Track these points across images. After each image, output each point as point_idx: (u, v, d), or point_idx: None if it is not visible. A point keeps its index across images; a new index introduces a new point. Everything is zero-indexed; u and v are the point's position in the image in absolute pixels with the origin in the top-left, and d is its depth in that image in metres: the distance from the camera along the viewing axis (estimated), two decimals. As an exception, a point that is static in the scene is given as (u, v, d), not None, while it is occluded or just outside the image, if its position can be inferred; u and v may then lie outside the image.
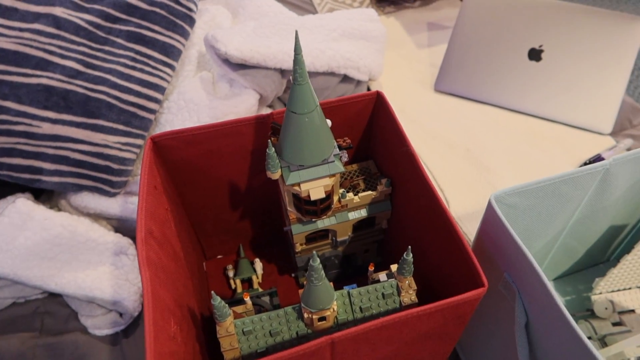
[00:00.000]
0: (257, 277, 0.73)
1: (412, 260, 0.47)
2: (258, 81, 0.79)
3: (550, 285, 0.40)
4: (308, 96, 0.49)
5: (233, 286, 0.72)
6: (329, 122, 0.54)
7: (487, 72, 1.00)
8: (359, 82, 0.98)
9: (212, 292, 0.45)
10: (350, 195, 0.60)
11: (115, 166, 0.73)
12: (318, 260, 0.42)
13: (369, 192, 0.61)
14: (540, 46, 0.97)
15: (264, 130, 0.59)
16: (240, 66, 0.80)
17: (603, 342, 0.59)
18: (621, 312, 0.62)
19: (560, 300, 0.39)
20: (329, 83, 0.91)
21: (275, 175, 0.53)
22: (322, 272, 0.43)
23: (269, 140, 0.51)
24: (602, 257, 0.70)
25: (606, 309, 0.62)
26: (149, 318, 0.41)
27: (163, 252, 0.51)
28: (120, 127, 0.73)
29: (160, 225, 0.52)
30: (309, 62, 0.83)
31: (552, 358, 0.43)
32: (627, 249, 0.60)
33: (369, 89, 1.05)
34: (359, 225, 0.65)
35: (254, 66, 0.79)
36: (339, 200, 0.60)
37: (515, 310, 0.45)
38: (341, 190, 0.60)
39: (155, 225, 0.51)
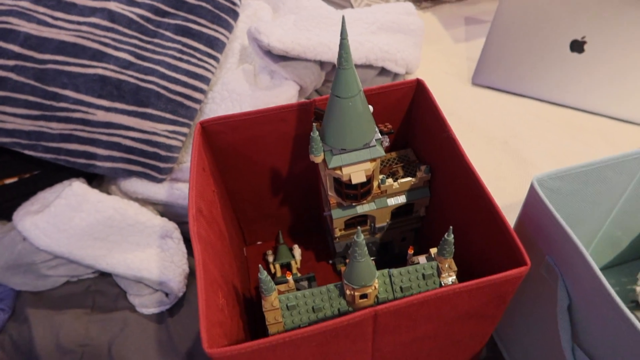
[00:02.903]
0: (296, 263, 0.75)
1: (453, 240, 0.47)
2: (298, 72, 0.81)
3: (596, 267, 0.40)
4: (352, 81, 0.50)
5: (273, 271, 0.75)
6: (370, 107, 0.56)
7: (527, 65, 0.99)
8: (396, 75, 0.98)
9: (260, 265, 0.47)
10: (389, 181, 0.61)
11: (162, 153, 0.76)
12: (362, 235, 0.43)
13: (409, 179, 0.62)
14: (583, 37, 0.95)
15: (306, 117, 0.61)
16: (281, 58, 0.82)
17: (648, 334, 0.58)
18: (667, 304, 0.61)
19: (606, 282, 0.39)
20: (367, 75, 0.92)
21: (319, 158, 0.55)
22: (365, 248, 0.44)
23: (314, 124, 0.53)
24: (648, 250, 0.69)
25: (651, 300, 0.61)
26: (202, 287, 0.43)
27: (211, 230, 0.53)
28: (168, 115, 0.77)
29: (208, 205, 0.55)
30: (348, 54, 0.85)
31: (597, 341, 0.43)
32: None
33: (405, 83, 1.06)
34: (397, 212, 0.66)
35: (294, 58, 0.81)
36: (379, 186, 0.61)
37: (557, 293, 0.45)
38: (381, 176, 0.61)
39: (204, 205, 0.53)
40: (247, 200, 0.69)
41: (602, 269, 0.69)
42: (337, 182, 0.58)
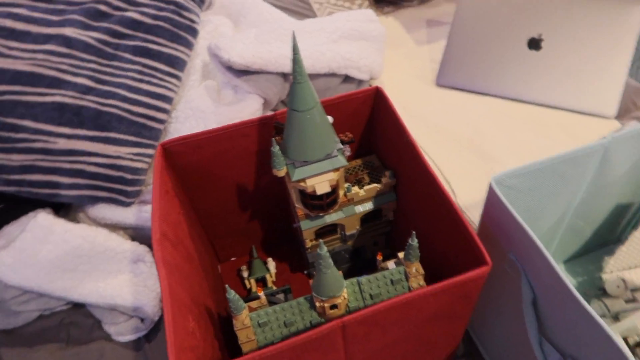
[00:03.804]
0: (271, 276, 0.75)
1: (417, 245, 0.48)
2: (261, 85, 0.81)
3: (553, 261, 0.41)
4: (307, 94, 0.51)
5: (248, 286, 0.74)
6: (330, 118, 0.56)
7: (487, 64, 1.01)
8: (360, 82, 0.99)
9: (226, 285, 0.46)
10: (355, 188, 0.62)
11: (128, 176, 0.75)
12: (325, 248, 0.43)
13: (374, 185, 0.62)
14: (540, 35, 0.98)
15: (268, 131, 0.61)
16: (244, 72, 0.82)
17: (616, 319, 0.59)
18: (634, 290, 0.62)
19: (563, 275, 0.40)
20: (331, 84, 0.93)
21: (281, 172, 0.55)
22: (330, 260, 0.44)
23: (273, 139, 0.53)
24: (611, 237, 0.70)
25: (618, 287, 0.63)
26: (169, 314, 0.43)
27: (177, 253, 0.53)
28: (132, 138, 0.76)
29: (173, 228, 0.54)
30: (309, 65, 0.85)
31: (561, 333, 0.44)
32: (635, 227, 0.61)
33: (371, 88, 1.07)
34: (366, 218, 0.66)
35: (256, 71, 0.81)
36: (345, 195, 0.62)
37: (521, 289, 0.46)
38: (346, 185, 0.61)
39: (169, 228, 0.53)
40: (216, 218, 0.69)
41: (569, 260, 0.71)
42: (303, 193, 0.58)
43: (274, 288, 0.73)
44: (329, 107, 0.61)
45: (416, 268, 0.50)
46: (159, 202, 0.52)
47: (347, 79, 0.96)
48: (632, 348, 0.57)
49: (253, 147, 0.62)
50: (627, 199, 0.62)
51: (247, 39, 0.83)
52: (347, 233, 0.66)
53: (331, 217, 0.63)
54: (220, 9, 1.00)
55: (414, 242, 0.48)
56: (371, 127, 0.67)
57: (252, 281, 0.74)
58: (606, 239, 0.70)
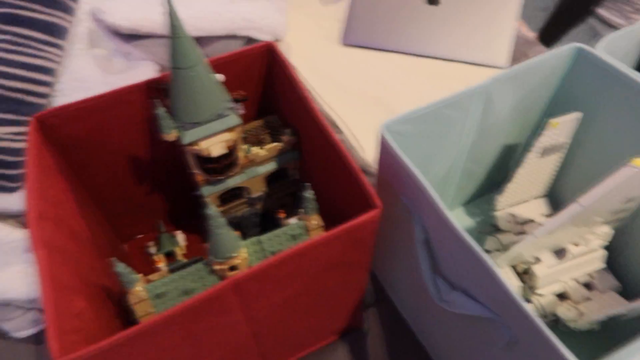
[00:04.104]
0: (181, 249, 0.72)
1: (312, 197, 0.48)
2: (155, 51, 0.76)
3: (439, 201, 0.43)
4: (188, 49, 0.48)
5: (157, 262, 0.71)
6: (220, 76, 0.54)
7: (390, 21, 1.02)
8: (265, 44, 0.96)
9: (113, 259, 0.43)
10: (256, 149, 0.60)
11: (9, 158, 0.68)
12: (214, 208, 0.41)
13: (275, 144, 0.61)
14: (436, -11, 1.00)
15: (157, 96, 0.57)
16: (134, 37, 0.76)
17: (509, 251, 0.64)
18: (523, 223, 0.67)
19: (448, 213, 0.42)
20: (231, 47, 0.89)
21: (170, 136, 0.52)
22: (221, 219, 0.43)
23: (156, 101, 0.50)
24: (502, 177, 0.75)
25: (508, 222, 0.67)
26: (48, 298, 0.40)
27: (61, 233, 0.49)
28: (9, 116, 0.68)
29: (54, 207, 0.50)
30: (205, 26, 0.81)
31: (451, 268, 0.46)
32: (519, 165, 0.64)
33: (277, 51, 1.04)
34: (272, 179, 0.65)
35: (148, 35, 0.76)
36: (246, 156, 0.60)
37: (414, 230, 0.48)
38: (246, 146, 0.60)
39: (49, 207, 0.48)
40: (110, 194, 0.64)
41: (469, 202, 0.75)
42: (199, 158, 0.56)
43: (185, 260, 0.71)
44: (219, 65, 0.58)
45: (316, 221, 0.50)
46: (34, 180, 0.47)
47: (249, 41, 0.92)
48: (521, 275, 0.62)
49: (141, 115, 0.58)
50: (514, 140, 0.66)
51: (134, 0, 0.76)
52: (253, 196, 0.65)
53: (234, 180, 0.61)
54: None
55: (307, 194, 0.47)
56: (270, 86, 0.65)
57: (161, 256, 0.71)
58: (499, 180, 0.74)
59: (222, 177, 0.59)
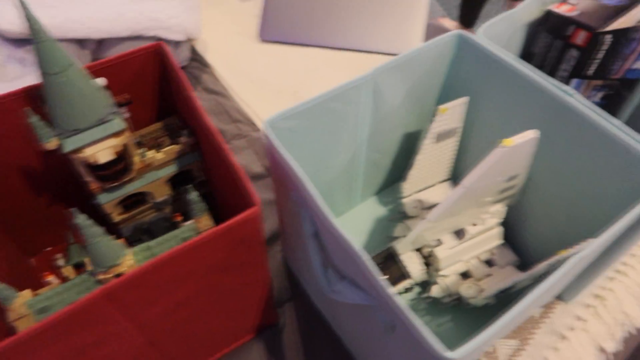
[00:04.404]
0: (91, 259, 0.70)
1: (197, 198, 0.47)
2: (48, 56, 0.73)
3: (313, 191, 0.43)
4: (55, 53, 0.46)
5: (65, 275, 0.69)
6: (101, 80, 0.52)
7: (304, 15, 1.02)
8: (177, 43, 0.95)
9: (-19, 277, 0.42)
10: (151, 152, 0.59)
11: None
12: (82, 217, 0.40)
13: (172, 147, 0.60)
14: (349, -18, 1.01)
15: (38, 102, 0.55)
16: (26, 42, 0.73)
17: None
18: (429, 208, 0.69)
19: (323, 204, 0.43)
20: (141, 48, 0.87)
21: (50, 144, 0.50)
22: (94, 227, 0.42)
23: (28, 109, 0.48)
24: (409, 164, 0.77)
25: (415, 207, 0.69)
26: None
27: None
28: None
29: None
30: (106, 28, 0.78)
31: (338, 259, 0.47)
32: (417, 152, 0.66)
33: (194, 50, 1.02)
34: (178, 182, 0.64)
35: (38, 40, 0.72)
36: (142, 161, 0.58)
37: (303, 224, 0.48)
38: (141, 150, 0.58)
39: None
40: (7, 207, 0.62)
41: (380, 191, 0.76)
42: (88, 165, 0.54)
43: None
44: (105, 68, 0.57)
45: (206, 222, 0.50)
46: None
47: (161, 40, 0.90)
48: (427, 257, 0.64)
49: (24, 124, 0.55)
50: (413, 127, 0.68)
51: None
52: (158, 200, 0.64)
53: (133, 186, 0.60)
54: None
55: (191, 196, 0.47)
56: (166, 87, 0.64)
57: (70, 269, 0.68)
58: (405, 167, 0.76)
59: (117, 184, 0.57)
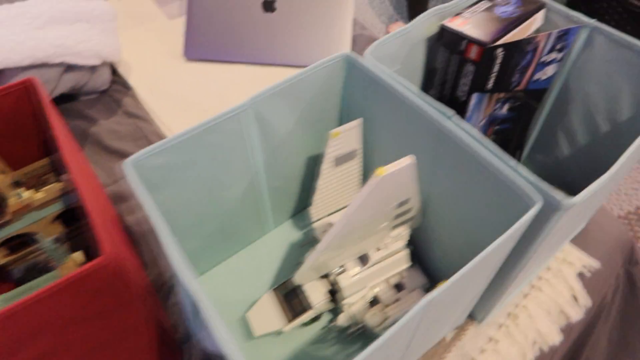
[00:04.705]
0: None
1: (51, 246, 0.45)
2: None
3: (166, 240, 0.41)
4: None
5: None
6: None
7: (229, 32, 1.00)
8: (94, 67, 0.92)
9: None
10: (29, 193, 0.56)
11: None
12: None
13: (54, 185, 0.57)
14: (272, -4, 0.99)
15: None
16: None
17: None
18: (337, 232, 0.67)
19: (176, 252, 0.40)
20: (49, 75, 0.84)
21: None
22: None
23: None
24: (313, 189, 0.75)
25: (324, 231, 0.67)
26: None
27: None
28: None
29: None
30: (2, 57, 0.75)
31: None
32: (317, 177, 0.64)
33: (115, 72, 1.00)
34: (70, 218, 0.61)
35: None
36: (19, 202, 0.55)
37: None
38: (18, 190, 0.55)
39: None
40: None
41: (295, 215, 0.74)
42: (-47, 213, 0.51)
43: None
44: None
45: (73, 267, 0.47)
46: None
47: (72, 67, 0.87)
48: (333, 284, 0.62)
49: None
50: (315, 151, 0.66)
51: None
52: (48, 239, 0.61)
53: (13, 227, 0.57)
54: None
55: (44, 245, 0.44)
56: (47, 123, 0.61)
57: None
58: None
59: (-8, 227, 0.54)
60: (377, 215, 0.54)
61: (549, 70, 0.66)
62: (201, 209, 0.58)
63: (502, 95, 0.66)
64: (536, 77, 0.66)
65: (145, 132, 0.89)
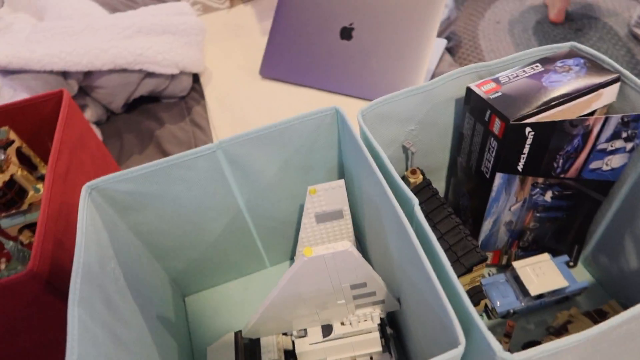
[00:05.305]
0: None
1: (15, 249, 0.49)
2: (28, 84, 0.82)
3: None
4: None
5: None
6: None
7: (305, 55, 0.99)
8: (174, 75, 0.99)
9: None
10: (44, 190, 0.62)
11: None
12: None
13: (67, 186, 0.63)
14: (351, 24, 0.95)
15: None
16: (8, 72, 0.83)
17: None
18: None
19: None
20: (130, 78, 0.93)
21: None
22: None
23: None
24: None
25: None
26: None
27: None
28: None
29: None
30: (85, 62, 0.85)
31: None
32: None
33: (197, 81, 1.06)
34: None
35: (20, 71, 0.82)
36: (36, 195, 0.63)
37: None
38: (38, 185, 0.62)
39: None
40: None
41: (293, 258, 0.71)
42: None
43: None
44: (4, 113, 0.62)
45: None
46: None
47: (151, 74, 0.96)
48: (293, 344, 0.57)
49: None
50: (302, 199, 0.61)
51: (15, 39, 0.83)
52: (11, 243, 0.67)
53: (33, 216, 0.64)
54: (28, 6, 1.00)
55: (8, 246, 0.48)
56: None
57: None
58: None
59: (15, 211, 0.62)
60: (326, 291, 0.48)
61: (615, 161, 0.52)
62: (181, 236, 0.59)
63: (540, 180, 0.53)
64: (593, 165, 0.52)
65: (198, 141, 0.94)
